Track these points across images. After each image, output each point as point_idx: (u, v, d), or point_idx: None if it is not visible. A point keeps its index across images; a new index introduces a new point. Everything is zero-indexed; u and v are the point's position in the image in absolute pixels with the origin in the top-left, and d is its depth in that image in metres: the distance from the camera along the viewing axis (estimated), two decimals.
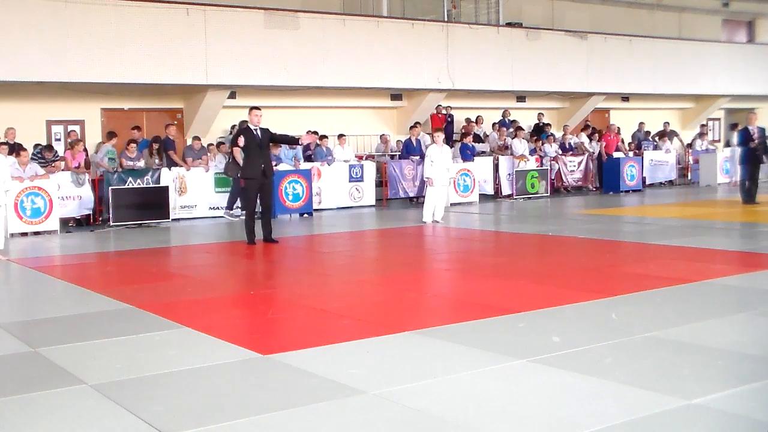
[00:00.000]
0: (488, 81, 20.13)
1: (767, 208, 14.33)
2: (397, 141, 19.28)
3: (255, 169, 10.93)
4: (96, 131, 16.74)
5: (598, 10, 24.14)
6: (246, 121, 11.59)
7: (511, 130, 19.91)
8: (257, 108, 11.18)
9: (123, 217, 13.87)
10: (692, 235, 10.68)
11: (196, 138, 15.96)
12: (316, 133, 16.41)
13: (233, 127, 16.56)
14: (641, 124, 22.49)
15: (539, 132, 20.45)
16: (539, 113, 21.58)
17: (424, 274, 8.26)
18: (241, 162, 12.24)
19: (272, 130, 11.35)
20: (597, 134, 20.97)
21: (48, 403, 4.24)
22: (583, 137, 20.66)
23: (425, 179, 13.28)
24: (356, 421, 3.86)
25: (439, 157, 13.01)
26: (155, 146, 15.43)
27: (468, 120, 20.26)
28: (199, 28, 16.05)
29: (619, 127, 21.31)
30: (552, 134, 20.58)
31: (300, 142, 12.10)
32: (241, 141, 10.85)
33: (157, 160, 15.32)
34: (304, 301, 6.99)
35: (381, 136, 19.54)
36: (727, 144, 21.78)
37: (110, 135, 15.18)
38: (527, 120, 21.37)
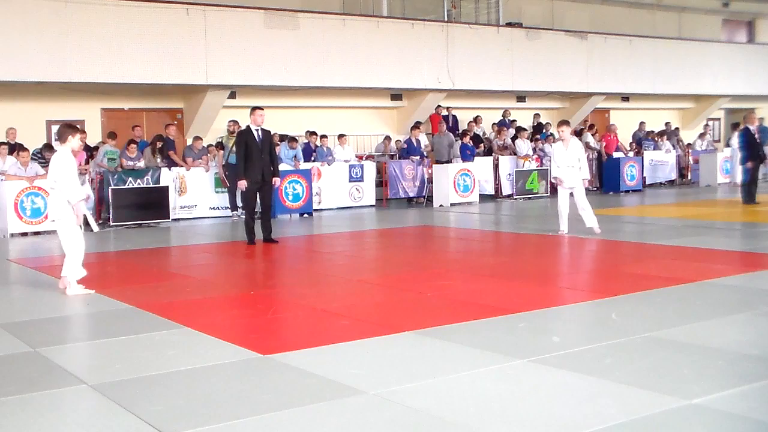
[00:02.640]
0: (488, 81, 20.13)
1: (767, 208, 14.33)
2: (397, 141, 19.27)
3: (254, 173, 10.84)
4: (96, 131, 16.73)
5: (598, 10, 24.14)
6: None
7: (512, 130, 19.94)
8: (260, 108, 11.05)
9: (123, 217, 13.87)
10: (692, 235, 10.68)
11: (198, 138, 15.97)
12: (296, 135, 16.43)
13: (233, 123, 16.52)
14: (642, 123, 22.50)
15: (537, 132, 20.46)
16: (535, 114, 21.58)
17: (424, 274, 8.26)
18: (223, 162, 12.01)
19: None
20: (596, 133, 20.98)
21: (48, 403, 4.24)
22: (588, 137, 20.66)
23: (552, 179, 11.68)
24: (356, 421, 3.86)
25: (564, 155, 11.22)
26: (158, 144, 15.42)
27: (475, 119, 20.30)
28: (199, 28, 16.05)
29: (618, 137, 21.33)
30: (552, 134, 20.59)
31: (274, 181, 11.13)
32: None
33: (159, 159, 15.32)
34: (304, 301, 6.99)
35: (384, 137, 19.52)
36: (728, 144, 21.77)
37: (110, 135, 15.19)
38: (527, 120, 21.37)
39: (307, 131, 17.36)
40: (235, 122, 15.06)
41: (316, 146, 16.94)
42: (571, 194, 11.24)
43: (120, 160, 14.79)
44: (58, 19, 14.68)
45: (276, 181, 11.18)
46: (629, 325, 5.64)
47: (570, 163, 11.10)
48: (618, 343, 5.13)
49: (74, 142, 7.75)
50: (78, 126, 8.06)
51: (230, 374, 4.73)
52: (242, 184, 10.88)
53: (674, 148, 21.95)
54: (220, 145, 15.66)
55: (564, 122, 11.65)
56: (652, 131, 22.34)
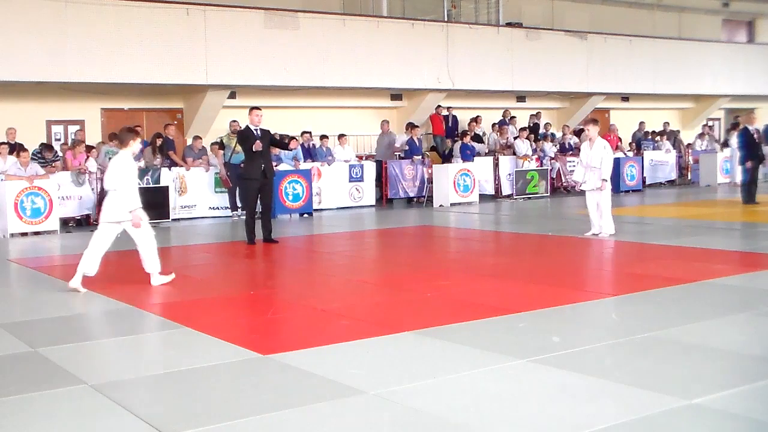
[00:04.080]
0: (488, 81, 20.13)
1: (767, 208, 14.33)
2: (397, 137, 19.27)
3: (255, 170, 10.90)
4: (96, 131, 16.73)
5: (598, 10, 24.14)
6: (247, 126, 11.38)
7: (512, 127, 19.96)
8: (258, 108, 11.14)
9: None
10: (692, 235, 10.68)
11: (197, 137, 15.97)
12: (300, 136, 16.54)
13: (236, 123, 16.51)
14: (641, 123, 22.49)
15: (534, 132, 20.42)
16: (531, 114, 21.57)
17: (423, 274, 8.26)
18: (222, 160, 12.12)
19: (272, 132, 11.33)
20: None
21: (48, 403, 4.24)
22: None
23: (572, 181, 11.12)
24: (356, 421, 3.86)
25: (587, 155, 10.76)
26: (159, 141, 15.41)
27: (473, 119, 20.30)
28: (199, 28, 16.05)
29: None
30: (551, 134, 20.59)
31: (290, 148, 11.95)
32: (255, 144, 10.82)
33: (159, 158, 15.32)
34: (304, 301, 6.99)
35: (382, 123, 19.10)
36: (726, 144, 21.75)
37: (111, 137, 15.20)
38: (526, 121, 21.37)
39: (303, 131, 17.29)
40: (237, 122, 15.07)
41: (311, 145, 16.90)
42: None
43: None
44: (58, 19, 14.67)
45: (292, 142, 11.76)
46: (629, 325, 5.64)
47: (593, 163, 10.67)
48: (618, 343, 5.13)
49: (135, 145, 7.90)
50: (138, 129, 8.19)
51: (230, 374, 4.73)
52: (258, 144, 10.79)
53: (674, 149, 21.97)
54: (219, 145, 15.66)
55: (592, 121, 11.05)
56: (652, 131, 22.32)
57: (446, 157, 18.54)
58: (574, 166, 19.84)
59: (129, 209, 7.66)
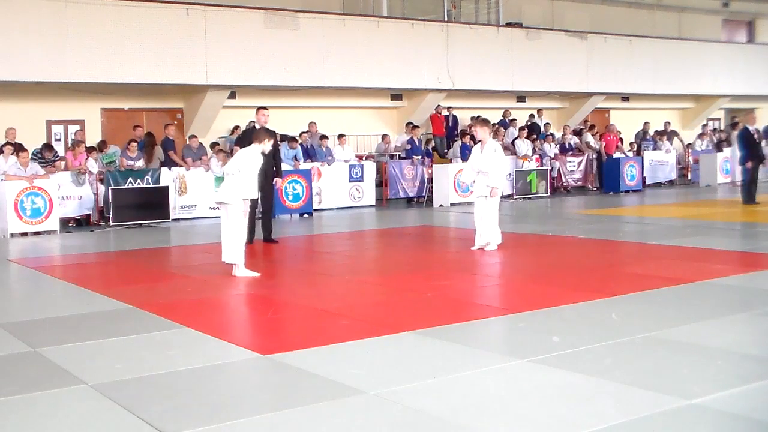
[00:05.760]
0: (488, 81, 20.14)
1: (767, 208, 14.33)
2: (396, 138, 19.27)
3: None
4: (96, 131, 16.75)
5: (598, 10, 24.14)
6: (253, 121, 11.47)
7: (512, 129, 19.96)
8: (265, 108, 11.17)
9: (123, 217, 13.87)
10: (692, 235, 10.68)
11: (193, 136, 15.99)
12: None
13: (236, 128, 16.54)
14: (646, 123, 22.47)
15: (532, 131, 20.41)
16: (530, 114, 21.57)
17: (423, 274, 8.26)
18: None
19: (278, 133, 11.28)
20: (598, 133, 21.00)
21: (48, 403, 4.24)
22: (588, 137, 20.69)
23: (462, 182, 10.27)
24: (356, 421, 3.86)
25: (478, 158, 9.60)
26: (152, 140, 15.42)
27: (472, 118, 20.30)
28: (199, 28, 16.05)
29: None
30: (551, 134, 20.59)
31: (275, 181, 11.34)
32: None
33: (161, 155, 15.33)
34: (304, 301, 6.99)
35: (383, 135, 19.49)
36: (725, 143, 21.75)
37: (100, 145, 15.28)
38: (526, 120, 21.37)
39: (301, 132, 17.26)
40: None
41: (308, 145, 16.88)
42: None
43: (120, 159, 14.82)
44: (58, 19, 14.68)
45: (277, 181, 11.30)
46: (629, 325, 5.64)
47: (483, 168, 9.52)
48: (618, 343, 5.13)
49: (267, 146, 8.43)
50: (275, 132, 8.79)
51: (230, 374, 4.73)
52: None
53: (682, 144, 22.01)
54: (217, 145, 15.68)
55: (481, 121, 9.71)
56: (655, 131, 22.32)
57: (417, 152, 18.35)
58: (574, 166, 19.96)
59: (245, 196, 8.07)
